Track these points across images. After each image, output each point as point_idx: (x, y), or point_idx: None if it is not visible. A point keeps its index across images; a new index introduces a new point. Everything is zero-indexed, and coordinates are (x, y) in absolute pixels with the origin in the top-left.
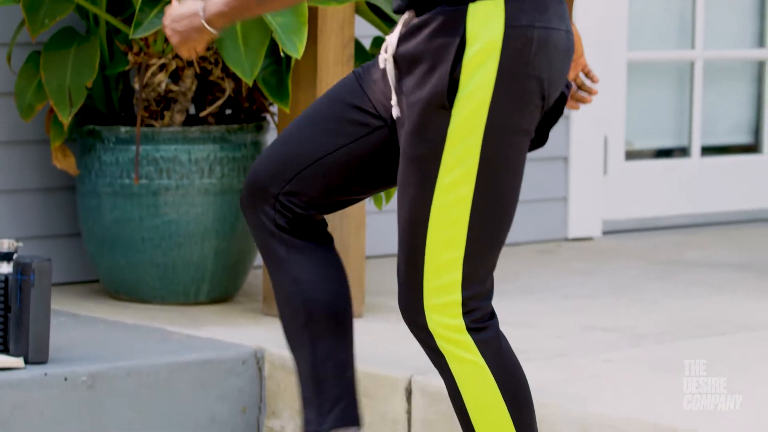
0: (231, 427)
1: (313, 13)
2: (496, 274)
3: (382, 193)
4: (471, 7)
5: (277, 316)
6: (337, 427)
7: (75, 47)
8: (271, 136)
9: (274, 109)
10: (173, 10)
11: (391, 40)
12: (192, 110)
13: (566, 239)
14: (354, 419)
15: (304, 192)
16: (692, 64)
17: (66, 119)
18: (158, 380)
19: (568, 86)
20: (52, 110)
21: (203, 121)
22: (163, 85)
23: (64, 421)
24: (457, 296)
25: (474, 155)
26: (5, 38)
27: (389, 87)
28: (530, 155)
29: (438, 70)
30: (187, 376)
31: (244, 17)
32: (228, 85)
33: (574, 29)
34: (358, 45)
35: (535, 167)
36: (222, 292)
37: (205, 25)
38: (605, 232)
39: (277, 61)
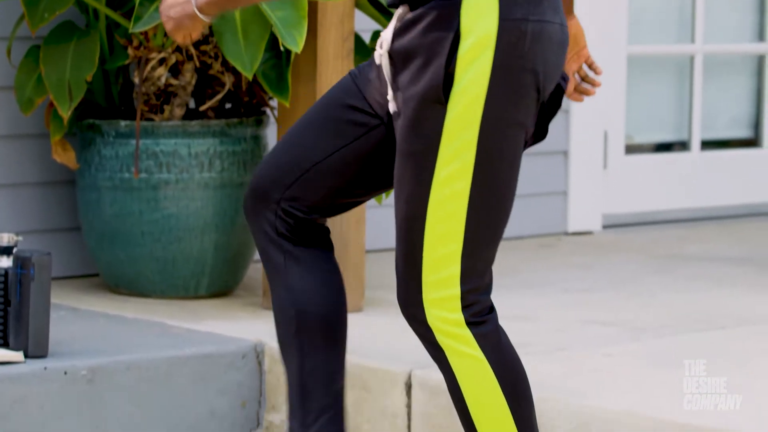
0: (231, 421)
1: (312, 7)
2: (496, 268)
3: None
4: (465, 0)
5: None
6: None
7: (75, 41)
8: (270, 130)
9: (273, 103)
10: None
11: (386, 35)
12: (192, 104)
13: (566, 233)
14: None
15: (306, 196)
16: (692, 58)
17: (66, 113)
18: (158, 374)
19: (564, 78)
20: (51, 104)
21: (203, 115)
22: (163, 79)
23: (64, 415)
24: (456, 290)
25: (470, 149)
26: (5, 32)
27: (385, 84)
28: (530, 150)
29: (433, 65)
30: (187, 370)
31: (237, 6)
32: (228, 79)
33: (577, 21)
34: (357, 39)
35: (535, 161)
36: (222, 286)
37: (197, 12)
38: (605, 226)
39: (276, 55)
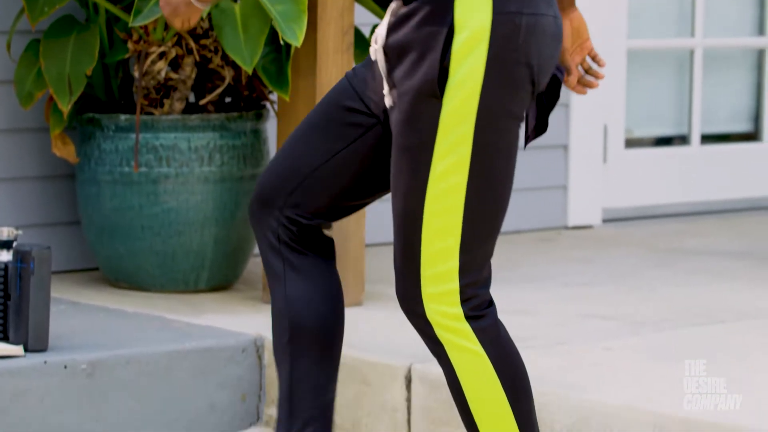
0: (231, 415)
1: (312, 1)
2: (496, 263)
3: None
4: None
5: None
6: None
7: (75, 35)
8: (270, 124)
9: (273, 97)
10: None
11: (381, 30)
12: (192, 98)
13: (566, 227)
14: None
15: (309, 202)
16: (692, 52)
17: (65, 107)
18: (158, 368)
19: (560, 70)
20: (51, 98)
21: (203, 109)
22: (163, 73)
23: (64, 408)
24: (455, 284)
25: (466, 143)
26: (5, 26)
27: (380, 81)
28: (530, 144)
29: (427, 59)
30: (187, 364)
31: None
32: (228, 73)
33: (579, 14)
34: (357, 33)
35: (535, 155)
36: (222, 280)
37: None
38: (605, 220)
39: (276, 49)
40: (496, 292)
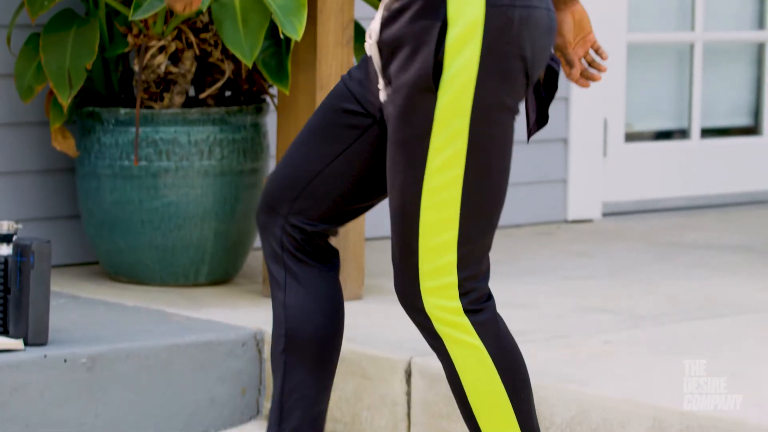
0: (230, 409)
1: None
2: (495, 256)
3: None
4: None
5: None
6: None
7: (74, 29)
8: (270, 118)
9: (273, 91)
10: None
11: (374, 26)
12: (191, 92)
13: (566, 221)
14: None
15: (313, 207)
16: (692, 46)
17: (65, 101)
18: (158, 362)
19: (556, 61)
20: (51, 92)
21: (203, 103)
22: (163, 67)
23: (64, 402)
24: (453, 278)
25: (462, 136)
26: (5, 20)
27: (376, 78)
28: (531, 137)
29: (421, 53)
30: (187, 358)
31: None
32: (227, 67)
33: (581, 7)
34: (357, 27)
35: (535, 149)
36: (221, 273)
37: None
38: (605, 214)
39: (276, 43)
40: (495, 286)
